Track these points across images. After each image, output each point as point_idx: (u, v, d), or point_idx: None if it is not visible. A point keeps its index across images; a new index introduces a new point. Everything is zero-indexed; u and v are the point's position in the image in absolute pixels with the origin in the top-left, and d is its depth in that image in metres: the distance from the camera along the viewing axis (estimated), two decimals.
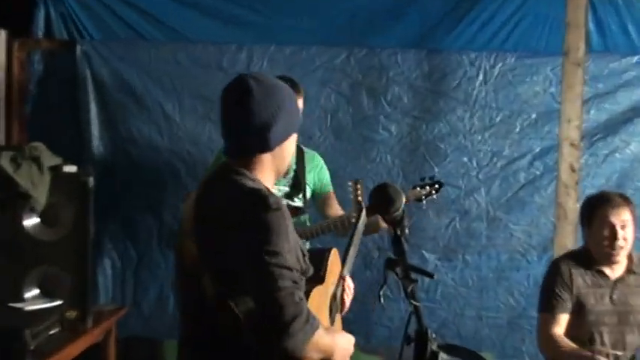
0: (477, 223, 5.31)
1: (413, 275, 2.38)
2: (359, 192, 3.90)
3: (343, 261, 2.99)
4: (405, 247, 2.35)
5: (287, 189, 4.03)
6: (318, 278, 2.68)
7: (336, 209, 4.18)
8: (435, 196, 4.28)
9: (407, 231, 2.40)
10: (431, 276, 2.44)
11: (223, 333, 2.25)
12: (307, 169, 4.07)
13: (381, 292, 2.43)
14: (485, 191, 5.30)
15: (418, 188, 4.24)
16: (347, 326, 3.02)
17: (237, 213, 2.20)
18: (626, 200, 3.98)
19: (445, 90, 5.25)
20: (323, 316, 2.68)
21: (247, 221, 2.18)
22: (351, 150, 5.22)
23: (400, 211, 2.34)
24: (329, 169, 4.35)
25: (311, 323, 2.19)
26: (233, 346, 2.24)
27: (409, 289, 2.38)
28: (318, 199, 4.20)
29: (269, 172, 2.40)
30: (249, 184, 2.28)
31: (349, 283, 3.06)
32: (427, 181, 4.31)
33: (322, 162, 4.24)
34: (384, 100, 5.26)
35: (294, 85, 3.48)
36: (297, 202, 4.06)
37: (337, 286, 2.93)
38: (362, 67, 5.22)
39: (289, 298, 2.13)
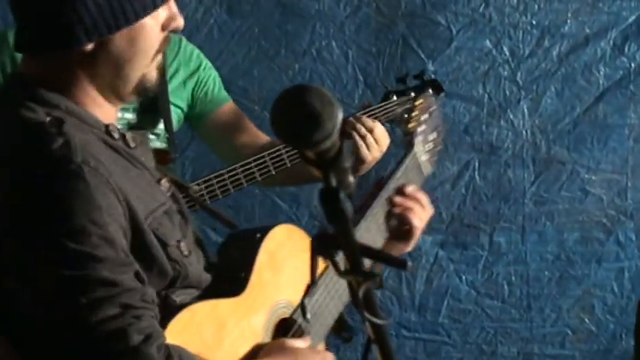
0: (516, 172, 3.93)
1: (369, 265, 1.57)
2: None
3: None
4: (350, 214, 1.40)
5: (131, 116, 3.10)
6: (230, 286, 2.10)
7: (255, 134, 3.15)
8: (433, 113, 2.76)
9: (352, 181, 1.43)
10: (403, 266, 1.50)
11: None
12: (172, 73, 3.12)
13: (307, 304, 2.06)
14: (530, 107, 3.90)
15: (395, 98, 3.09)
16: None
17: None
18: None
19: None
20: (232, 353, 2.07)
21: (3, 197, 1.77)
22: (260, 33, 3.90)
23: (332, 139, 1.37)
24: (220, 74, 3.34)
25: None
26: None
27: (360, 294, 1.52)
28: (212, 125, 3.18)
29: (90, 91, 1.85)
30: (28, 115, 1.79)
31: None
32: (410, 83, 3.12)
33: (203, 58, 3.22)
34: None
35: None
36: (155, 142, 3.11)
37: (310, 292, 2.16)
38: None
39: (116, 337, 1.72)
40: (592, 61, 3.95)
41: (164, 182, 1.95)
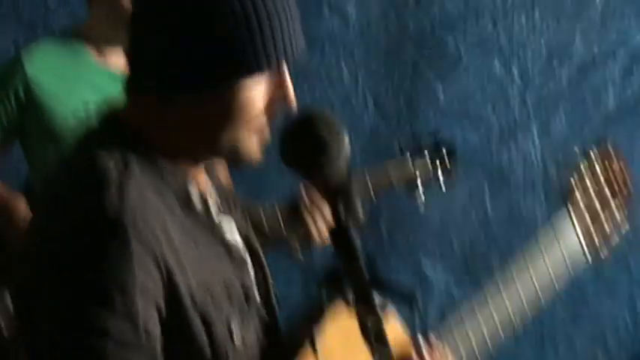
0: (527, 199, 3.92)
1: (378, 301, 1.57)
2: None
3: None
4: (359, 250, 1.55)
5: None
6: None
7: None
8: (441, 180, 3.04)
9: (360, 211, 1.57)
10: (411, 299, 1.53)
11: None
12: None
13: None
14: (541, 131, 3.88)
15: (408, 160, 3.00)
16: None
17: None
18: None
19: None
20: None
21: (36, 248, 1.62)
22: None
23: (341, 166, 1.55)
24: None
25: None
26: None
27: (370, 324, 1.57)
28: None
29: (185, 147, 1.66)
30: (101, 160, 1.61)
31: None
32: (425, 143, 3.07)
33: None
34: None
35: None
36: None
37: None
38: None
39: None
40: (601, 83, 3.89)
41: (239, 249, 1.81)
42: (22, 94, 3.08)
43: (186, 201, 1.63)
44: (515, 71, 3.87)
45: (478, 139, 3.84)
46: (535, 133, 3.87)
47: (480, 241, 3.95)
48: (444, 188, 3.10)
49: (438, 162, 3.10)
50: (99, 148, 1.60)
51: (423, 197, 3.09)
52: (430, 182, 3.11)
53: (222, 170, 3.01)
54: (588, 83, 3.89)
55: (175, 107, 1.61)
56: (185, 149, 1.66)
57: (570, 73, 3.86)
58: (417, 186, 3.10)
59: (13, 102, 3.09)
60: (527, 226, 3.84)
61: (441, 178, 3.08)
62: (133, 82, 1.67)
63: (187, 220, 1.62)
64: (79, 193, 1.57)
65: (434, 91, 3.82)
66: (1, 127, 3.15)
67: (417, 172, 3.08)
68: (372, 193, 2.78)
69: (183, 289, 1.57)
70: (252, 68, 1.55)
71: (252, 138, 1.62)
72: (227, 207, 1.76)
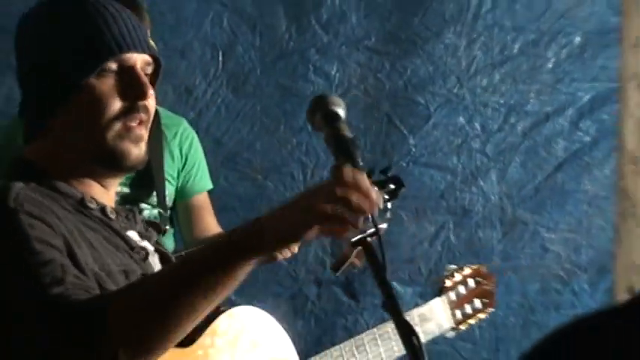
0: (485, 231, 4.09)
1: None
2: None
3: None
4: (381, 262, 1.59)
5: (126, 189, 3.11)
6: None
7: (212, 226, 3.18)
8: (389, 209, 3.03)
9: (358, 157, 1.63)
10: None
11: None
12: (168, 148, 3.11)
13: None
14: (498, 175, 4.09)
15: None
16: None
17: None
18: None
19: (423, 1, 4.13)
20: None
21: None
22: (260, 112, 3.97)
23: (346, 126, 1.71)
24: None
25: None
26: None
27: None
28: (180, 206, 3.21)
29: (70, 167, 1.86)
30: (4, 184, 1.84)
31: None
32: (375, 177, 3.04)
33: (194, 136, 3.26)
34: (316, 20, 3.96)
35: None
36: (149, 211, 3.12)
37: None
38: None
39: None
40: (552, 135, 4.09)
41: (141, 251, 1.95)
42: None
43: (80, 204, 1.77)
44: (477, 126, 4.02)
45: (445, 183, 4.00)
46: (494, 178, 4.04)
47: (443, 266, 4.14)
48: (389, 215, 3.08)
49: (388, 191, 3.08)
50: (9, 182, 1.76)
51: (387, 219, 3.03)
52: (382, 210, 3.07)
53: (209, 216, 3.11)
54: (540, 136, 4.06)
55: (53, 131, 1.79)
56: (74, 165, 1.82)
57: (525, 127, 4.03)
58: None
59: None
60: (485, 255, 4.07)
61: (389, 205, 3.08)
62: (26, 131, 1.87)
63: (84, 218, 1.77)
64: None
65: (407, 144, 3.97)
66: None
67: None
68: None
69: (80, 256, 1.70)
70: (91, 66, 1.74)
71: (121, 135, 1.77)
72: (130, 221, 1.91)
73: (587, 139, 4.10)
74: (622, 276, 4.04)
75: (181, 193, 3.19)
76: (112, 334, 1.62)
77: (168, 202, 3.14)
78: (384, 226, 2.19)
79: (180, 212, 3.23)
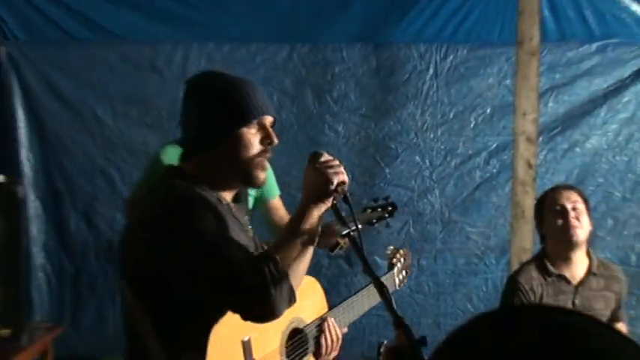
0: (432, 226, 4.94)
1: None
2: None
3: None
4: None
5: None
6: None
7: (285, 218, 3.50)
8: (388, 220, 3.69)
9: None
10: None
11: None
12: None
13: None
14: (440, 192, 4.94)
15: (369, 210, 3.63)
16: None
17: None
18: (576, 188, 3.64)
19: (394, 85, 4.85)
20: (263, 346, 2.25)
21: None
22: (296, 152, 4.58)
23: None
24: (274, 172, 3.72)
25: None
26: None
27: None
28: (262, 208, 3.52)
29: (216, 181, 2.14)
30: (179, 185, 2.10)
31: (335, 330, 2.48)
32: (380, 202, 3.68)
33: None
34: (330, 98, 4.82)
35: None
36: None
37: (313, 324, 2.45)
38: (305, 64, 4.82)
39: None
40: (472, 168, 4.90)
41: (249, 231, 2.26)
42: None
43: (217, 201, 2.08)
44: (427, 162, 4.87)
45: (407, 197, 4.82)
46: (437, 194, 4.88)
47: (409, 243, 4.70)
48: (389, 224, 3.72)
49: (387, 210, 3.70)
50: (175, 184, 2.08)
51: (377, 229, 3.76)
52: (380, 220, 3.67)
53: (282, 211, 3.38)
54: (466, 169, 4.88)
55: (210, 157, 2.09)
56: (221, 179, 2.13)
57: (456, 163, 4.86)
58: (374, 223, 3.61)
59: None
60: (431, 241, 4.87)
61: (387, 217, 3.68)
62: (186, 152, 2.17)
63: (222, 208, 2.07)
64: (171, 198, 2.04)
65: (384, 172, 4.83)
66: None
67: (375, 215, 3.58)
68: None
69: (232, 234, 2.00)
70: (245, 121, 2.05)
71: (257, 166, 2.08)
72: (240, 212, 2.19)
73: (494, 171, 4.88)
74: (515, 255, 4.46)
75: (260, 200, 3.51)
76: (271, 290, 1.93)
77: (250, 206, 3.44)
78: (360, 226, 2.14)
79: (263, 212, 3.53)
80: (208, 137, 2.08)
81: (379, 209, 3.59)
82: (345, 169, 2.08)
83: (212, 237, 1.96)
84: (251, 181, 2.10)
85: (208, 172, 2.11)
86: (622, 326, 3.67)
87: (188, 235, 1.95)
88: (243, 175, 2.11)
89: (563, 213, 3.45)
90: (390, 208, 3.67)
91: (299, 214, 2.02)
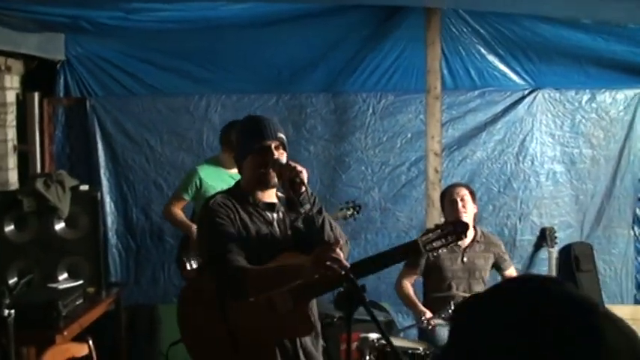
0: (373, 213, 5.92)
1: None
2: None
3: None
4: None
5: None
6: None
7: None
8: (356, 217, 4.92)
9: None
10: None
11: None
12: None
13: None
14: (378, 190, 5.96)
15: (345, 210, 4.85)
16: None
17: None
18: (465, 185, 4.64)
19: (347, 120, 5.87)
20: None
21: None
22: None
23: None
24: None
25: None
26: None
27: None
28: None
29: (247, 184, 2.78)
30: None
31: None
32: (350, 204, 4.98)
33: None
34: (304, 129, 5.88)
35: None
36: None
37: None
38: (287, 107, 5.80)
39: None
40: (400, 174, 5.81)
41: (273, 222, 2.67)
42: (197, 187, 4.71)
43: (248, 203, 2.60)
44: (370, 170, 5.90)
45: (357, 194, 5.76)
46: (377, 191, 5.86)
47: (358, 224, 5.57)
48: (355, 218, 4.95)
49: (357, 209, 4.93)
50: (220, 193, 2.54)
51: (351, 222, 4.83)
52: (352, 216, 4.93)
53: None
54: (396, 174, 5.90)
55: (241, 172, 2.74)
56: (250, 184, 2.72)
57: (389, 170, 5.87)
58: (347, 218, 4.85)
59: (194, 187, 4.70)
60: (373, 222, 5.85)
61: (357, 214, 4.90)
62: (237, 166, 2.67)
63: (248, 207, 2.60)
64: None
65: (341, 179, 5.86)
66: (188, 197, 4.80)
67: (347, 214, 4.77)
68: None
69: (240, 233, 2.49)
70: (259, 146, 2.60)
71: (259, 181, 2.69)
72: (269, 207, 2.62)
73: (414, 175, 5.86)
74: None
75: None
76: (245, 286, 2.47)
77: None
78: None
79: None
80: (237, 161, 2.77)
81: (351, 208, 4.86)
82: (309, 174, 2.52)
83: (208, 231, 2.60)
84: (259, 189, 2.69)
85: (244, 180, 2.77)
86: (511, 272, 4.61)
87: (201, 228, 2.68)
88: (254, 185, 2.73)
89: (454, 203, 4.46)
90: (358, 208, 4.96)
91: (298, 273, 2.49)
